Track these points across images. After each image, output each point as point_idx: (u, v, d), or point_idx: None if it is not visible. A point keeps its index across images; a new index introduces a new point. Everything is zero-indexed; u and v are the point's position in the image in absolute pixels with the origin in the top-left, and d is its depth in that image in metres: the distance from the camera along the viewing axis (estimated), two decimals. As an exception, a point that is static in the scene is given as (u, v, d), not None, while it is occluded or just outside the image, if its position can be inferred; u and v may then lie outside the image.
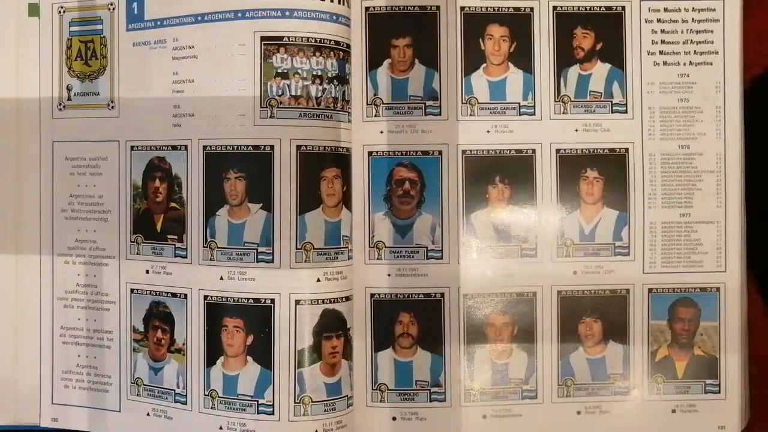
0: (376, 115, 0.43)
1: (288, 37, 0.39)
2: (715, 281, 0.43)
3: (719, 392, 0.42)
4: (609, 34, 0.43)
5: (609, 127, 0.43)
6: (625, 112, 0.43)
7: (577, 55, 0.43)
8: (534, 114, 0.43)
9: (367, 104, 0.43)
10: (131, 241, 0.43)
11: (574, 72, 0.43)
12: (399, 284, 0.43)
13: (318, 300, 0.39)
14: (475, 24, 0.43)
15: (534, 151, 0.43)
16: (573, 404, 0.43)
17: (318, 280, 0.39)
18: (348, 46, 0.41)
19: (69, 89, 0.44)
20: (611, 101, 0.43)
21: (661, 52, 0.43)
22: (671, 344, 0.43)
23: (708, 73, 0.43)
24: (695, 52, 0.43)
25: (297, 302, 0.39)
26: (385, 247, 0.43)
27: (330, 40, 0.40)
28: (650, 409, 0.43)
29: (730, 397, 0.42)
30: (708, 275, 0.43)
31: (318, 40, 0.39)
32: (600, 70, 0.43)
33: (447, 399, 0.42)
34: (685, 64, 0.43)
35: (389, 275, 0.42)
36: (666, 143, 0.43)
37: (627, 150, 0.43)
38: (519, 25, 0.43)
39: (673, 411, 0.43)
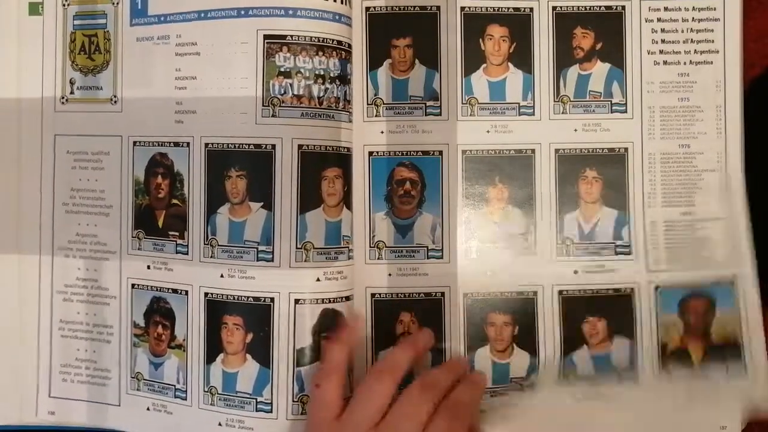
0: (376, 115, 0.43)
1: (291, 36, 0.39)
2: (728, 273, 0.42)
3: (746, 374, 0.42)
4: (609, 34, 0.43)
5: (608, 126, 0.43)
6: (625, 111, 0.43)
7: (577, 55, 0.43)
8: (533, 114, 0.43)
9: (368, 104, 0.43)
10: (132, 237, 0.42)
11: (573, 72, 0.43)
12: (399, 284, 0.43)
13: (317, 299, 0.39)
14: (475, 24, 0.43)
15: (533, 151, 0.43)
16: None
17: (318, 280, 0.39)
18: (349, 46, 0.41)
19: (72, 83, 0.43)
20: (611, 101, 0.43)
21: (661, 52, 0.43)
22: (684, 336, 0.42)
23: (708, 72, 0.43)
24: (695, 51, 0.43)
25: (296, 301, 0.39)
26: (386, 246, 0.43)
27: (332, 40, 0.40)
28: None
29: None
30: (715, 272, 0.43)
31: (321, 39, 0.39)
32: (600, 69, 0.43)
33: None
34: (685, 63, 0.43)
35: (390, 275, 0.42)
36: (666, 143, 0.43)
37: (626, 149, 0.43)
38: (519, 25, 0.43)
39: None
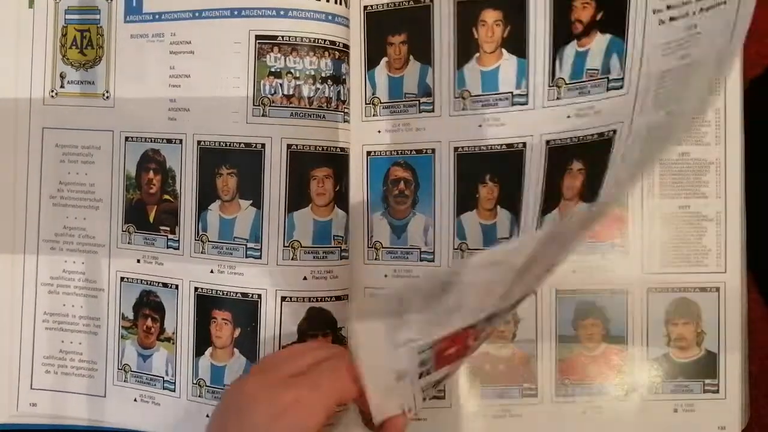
0: (374, 115, 0.46)
1: (282, 37, 0.43)
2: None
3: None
4: (611, 1, 0.43)
5: (601, 108, 0.43)
6: (621, 87, 0.43)
7: (576, 30, 0.43)
8: (527, 103, 0.44)
9: (366, 104, 0.46)
10: (123, 231, 0.46)
11: (571, 50, 0.43)
12: (396, 285, 0.45)
13: (304, 298, 0.43)
14: (468, 12, 0.45)
15: (524, 144, 0.44)
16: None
17: (304, 278, 0.43)
18: (345, 46, 0.44)
19: (62, 77, 0.47)
20: (608, 77, 0.43)
21: (668, 7, 0.42)
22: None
23: (719, 16, 0.41)
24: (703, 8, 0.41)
25: (283, 299, 0.43)
26: (383, 247, 0.46)
27: (325, 40, 0.43)
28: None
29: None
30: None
31: (312, 39, 0.43)
32: (599, 43, 0.44)
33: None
34: (695, 13, 0.40)
35: (386, 276, 0.46)
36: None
37: (615, 132, 0.43)
38: (513, 6, 0.44)
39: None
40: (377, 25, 0.46)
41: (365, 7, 0.46)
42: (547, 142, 0.44)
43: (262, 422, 0.34)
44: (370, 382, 0.35)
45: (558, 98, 0.44)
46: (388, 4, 0.46)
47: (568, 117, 0.44)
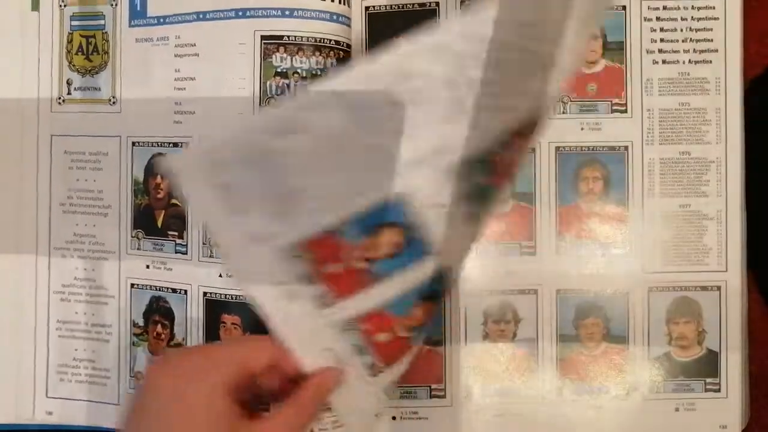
0: None
1: (288, 37, 0.43)
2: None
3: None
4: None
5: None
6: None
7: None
8: None
9: None
10: (132, 236, 0.46)
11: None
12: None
13: None
14: None
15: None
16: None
17: None
18: (348, 45, 0.44)
19: (69, 83, 0.47)
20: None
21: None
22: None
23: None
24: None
25: None
26: None
27: (330, 40, 0.43)
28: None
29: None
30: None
31: (318, 39, 0.43)
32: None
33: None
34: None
35: None
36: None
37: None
38: None
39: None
40: (380, 26, 0.46)
41: (367, 8, 0.46)
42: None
43: (165, 402, 0.29)
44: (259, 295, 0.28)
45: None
46: (391, 5, 0.46)
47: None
